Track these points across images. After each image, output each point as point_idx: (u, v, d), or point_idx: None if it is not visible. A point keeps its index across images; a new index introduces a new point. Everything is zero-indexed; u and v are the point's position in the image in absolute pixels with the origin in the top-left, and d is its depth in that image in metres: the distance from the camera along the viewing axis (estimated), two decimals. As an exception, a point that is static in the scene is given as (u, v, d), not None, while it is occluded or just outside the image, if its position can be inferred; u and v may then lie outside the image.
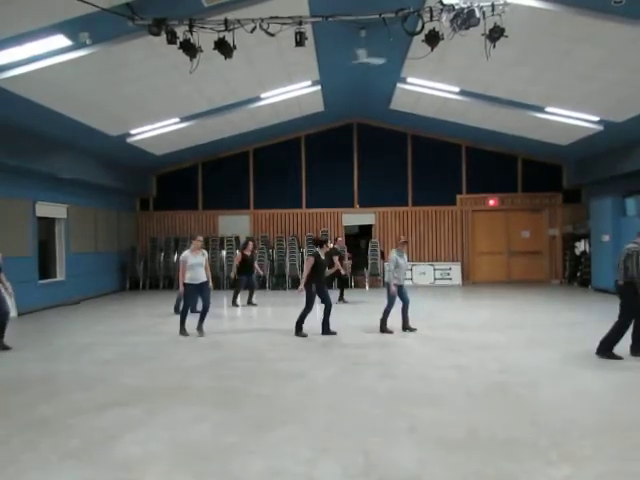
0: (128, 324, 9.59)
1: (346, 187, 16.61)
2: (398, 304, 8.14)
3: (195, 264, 8.01)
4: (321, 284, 8.03)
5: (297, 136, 16.59)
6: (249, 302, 11.71)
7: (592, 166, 14.58)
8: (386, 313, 8.16)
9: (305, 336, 7.90)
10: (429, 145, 16.37)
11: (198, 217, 16.95)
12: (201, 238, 8.45)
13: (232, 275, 11.82)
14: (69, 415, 4.56)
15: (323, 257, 8.16)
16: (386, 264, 8.39)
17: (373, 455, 3.65)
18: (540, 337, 7.79)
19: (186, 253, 8.19)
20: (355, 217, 16.87)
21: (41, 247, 12.12)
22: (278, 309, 11.43)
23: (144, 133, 12.60)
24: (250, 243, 11.95)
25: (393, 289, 7.94)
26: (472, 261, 16.58)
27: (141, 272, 15.89)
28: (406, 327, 8.23)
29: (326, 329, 8.07)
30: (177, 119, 12.37)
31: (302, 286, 7.98)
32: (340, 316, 10.22)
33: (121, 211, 15.93)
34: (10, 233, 10.72)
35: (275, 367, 6.22)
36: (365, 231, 17.22)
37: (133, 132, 12.41)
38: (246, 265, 11.54)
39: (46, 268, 12.46)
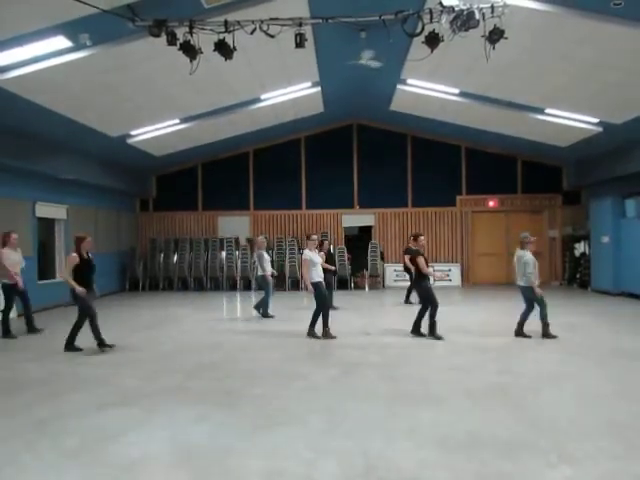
0: (127, 325, 9.58)
1: (346, 188, 16.63)
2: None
3: (318, 262, 7.99)
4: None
5: (297, 137, 16.60)
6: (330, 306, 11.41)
7: (592, 168, 14.60)
8: (543, 317, 7.73)
9: (440, 338, 7.67)
10: (429, 146, 16.39)
11: (198, 218, 16.97)
12: (315, 237, 8.33)
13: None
14: (68, 415, 4.56)
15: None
16: (520, 266, 7.77)
17: (373, 456, 3.65)
18: (539, 339, 7.78)
19: (309, 253, 8.02)
20: (355, 218, 16.88)
21: (41, 247, 12.12)
22: (277, 312, 11.41)
23: (144, 134, 12.62)
24: (325, 242, 11.63)
25: (538, 290, 7.62)
26: (472, 262, 16.59)
27: (141, 273, 15.88)
28: (520, 332, 7.81)
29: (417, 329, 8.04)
30: (177, 120, 12.38)
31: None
32: (341, 317, 10.22)
33: (121, 212, 15.93)
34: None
35: (275, 368, 6.22)
36: (365, 232, 17.21)
37: (133, 133, 12.42)
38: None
39: (46, 269, 12.46)
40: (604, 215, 13.62)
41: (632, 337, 7.85)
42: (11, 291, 8.43)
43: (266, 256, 10.29)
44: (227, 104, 12.02)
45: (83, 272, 7.16)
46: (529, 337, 7.72)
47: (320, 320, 7.93)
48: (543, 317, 7.74)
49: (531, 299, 7.79)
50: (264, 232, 16.61)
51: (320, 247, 10.67)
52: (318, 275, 7.92)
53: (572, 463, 3.50)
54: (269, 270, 10.25)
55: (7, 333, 8.32)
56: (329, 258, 11.07)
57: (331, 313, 8.02)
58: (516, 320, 7.93)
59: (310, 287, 7.85)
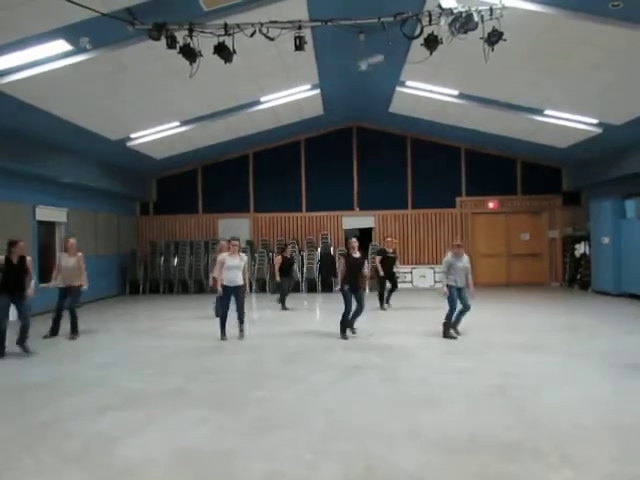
0: (128, 328, 9.58)
1: (346, 190, 16.65)
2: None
3: (232, 266, 7.95)
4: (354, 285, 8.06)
5: (297, 139, 16.63)
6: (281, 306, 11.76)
7: (591, 168, 14.61)
8: (448, 317, 8.03)
9: (347, 338, 7.99)
10: (428, 148, 16.41)
11: (198, 220, 16.97)
12: (237, 242, 8.30)
13: (277, 278, 11.83)
14: (69, 419, 4.56)
15: (356, 256, 8.15)
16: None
17: (374, 458, 3.65)
18: (540, 340, 7.79)
19: (224, 255, 8.16)
20: (355, 220, 16.88)
21: (41, 251, 12.13)
22: (279, 313, 11.42)
23: (144, 137, 12.63)
24: (288, 246, 12.19)
25: (445, 290, 7.94)
26: (472, 263, 16.54)
27: (141, 276, 15.88)
28: (454, 331, 8.10)
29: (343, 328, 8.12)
30: (177, 123, 12.40)
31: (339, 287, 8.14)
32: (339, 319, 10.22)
33: (121, 215, 15.94)
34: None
35: (275, 370, 6.22)
36: (365, 234, 17.21)
37: (133, 136, 12.44)
38: (285, 268, 11.65)
39: (46, 272, 12.43)
40: (604, 216, 13.63)
41: (633, 338, 7.85)
42: (62, 293, 8.57)
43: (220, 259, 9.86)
44: (227, 107, 12.04)
45: (5, 277, 7.18)
46: (455, 338, 7.94)
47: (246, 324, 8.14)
48: (445, 317, 8.04)
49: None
50: (264, 234, 16.64)
51: (283, 250, 11.86)
52: (227, 279, 7.89)
53: (573, 465, 3.50)
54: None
55: (54, 332, 8.49)
56: (286, 263, 11.66)
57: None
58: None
59: (219, 289, 7.95)
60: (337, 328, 8.23)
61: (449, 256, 8.06)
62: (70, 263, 8.54)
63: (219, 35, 6.99)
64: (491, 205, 16.57)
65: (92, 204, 14.12)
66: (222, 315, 8.10)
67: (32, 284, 7.39)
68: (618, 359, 6.47)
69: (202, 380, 5.81)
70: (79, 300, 8.70)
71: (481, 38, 6.78)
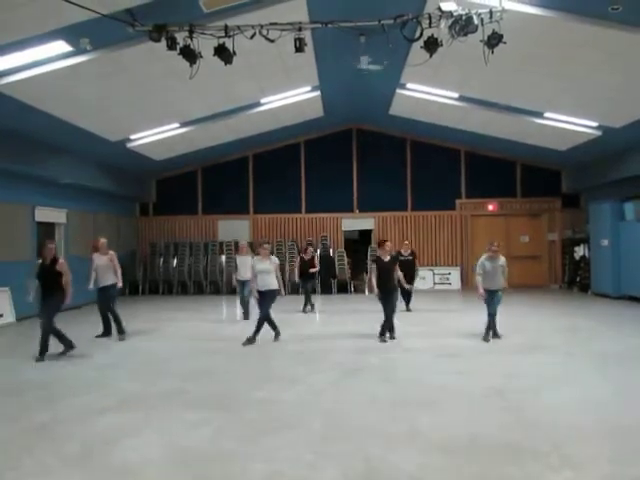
0: (127, 328, 9.55)
1: (345, 192, 16.67)
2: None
3: (261, 270, 7.83)
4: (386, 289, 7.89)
5: (297, 141, 16.66)
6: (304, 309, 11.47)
7: (591, 171, 14.64)
8: (489, 316, 7.98)
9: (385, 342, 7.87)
10: (428, 150, 16.44)
11: (198, 222, 16.98)
12: (267, 246, 8.22)
13: (296, 280, 11.91)
14: (68, 420, 4.55)
15: (386, 260, 7.95)
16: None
17: (374, 459, 3.65)
18: (540, 341, 7.80)
19: (256, 258, 8.12)
20: (354, 222, 16.89)
21: (40, 252, 12.10)
22: (279, 315, 11.39)
23: (144, 138, 12.64)
24: (309, 247, 12.00)
25: (481, 292, 7.87)
26: (471, 266, 16.57)
27: (140, 277, 15.87)
28: (494, 334, 7.95)
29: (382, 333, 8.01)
30: (177, 124, 12.41)
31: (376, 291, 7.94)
32: (340, 320, 10.22)
33: (121, 216, 15.93)
34: (10, 238, 10.73)
35: (275, 371, 6.22)
36: (365, 236, 17.22)
37: (133, 137, 12.44)
38: (304, 270, 11.44)
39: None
40: (603, 218, 13.65)
41: (632, 339, 7.85)
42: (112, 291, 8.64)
43: (239, 260, 10.12)
44: (227, 108, 12.05)
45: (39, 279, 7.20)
46: (487, 340, 7.85)
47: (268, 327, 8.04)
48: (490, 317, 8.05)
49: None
50: (264, 235, 16.63)
51: (305, 252, 11.67)
52: (260, 283, 7.80)
53: (573, 465, 3.50)
54: (239, 276, 10.07)
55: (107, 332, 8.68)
56: (303, 264, 11.48)
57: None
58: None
59: (255, 293, 7.87)
60: (336, 329, 8.23)
61: (482, 258, 8.06)
62: (102, 262, 8.54)
63: (219, 37, 7.00)
64: (491, 207, 16.60)
65: (92, 205, 14.11)
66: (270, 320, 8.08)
67: (70, 290, 7.18)
68: (618, 360, 6.48)
69: (202, 381, 5.80)
70: (115, 299, 8.72)
71: (481, 41, 6.80)
